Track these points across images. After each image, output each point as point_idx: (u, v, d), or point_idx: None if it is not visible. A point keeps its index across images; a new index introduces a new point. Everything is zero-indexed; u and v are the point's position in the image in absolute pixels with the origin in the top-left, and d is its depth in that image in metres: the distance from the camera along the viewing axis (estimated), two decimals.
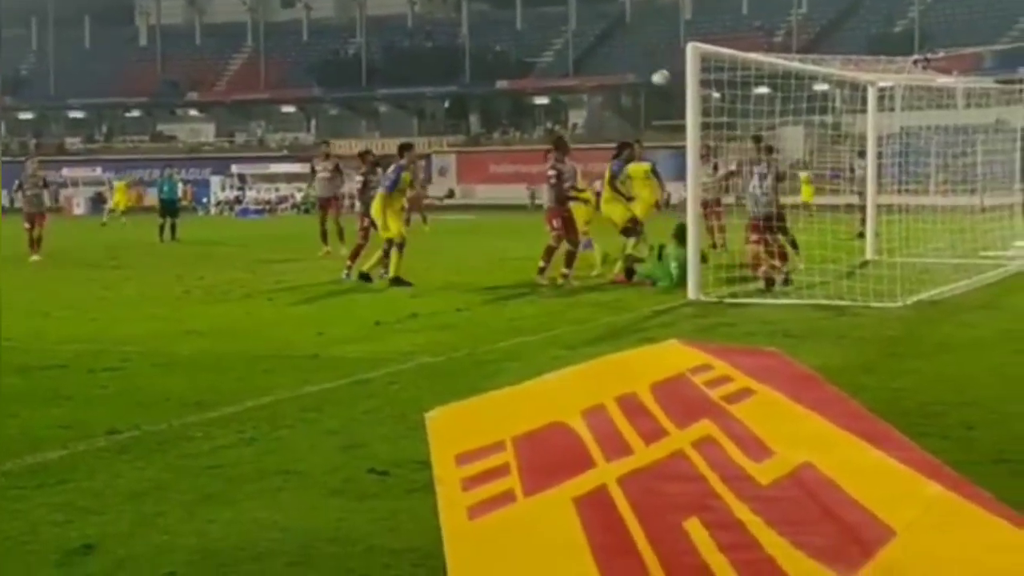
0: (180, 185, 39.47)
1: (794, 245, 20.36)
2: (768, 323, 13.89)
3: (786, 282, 18.10)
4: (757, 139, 19.71)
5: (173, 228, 34.50)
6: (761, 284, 17.72)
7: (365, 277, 19.61)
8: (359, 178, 21.53)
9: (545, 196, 19.23)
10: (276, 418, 8.73)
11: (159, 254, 28.68)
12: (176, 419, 8.69)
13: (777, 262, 18.37)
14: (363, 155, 22.55)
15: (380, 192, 19.80)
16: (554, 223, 19.25)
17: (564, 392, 8.41)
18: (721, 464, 6.23)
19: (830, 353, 11.39)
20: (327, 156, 28.95)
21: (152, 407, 9.21)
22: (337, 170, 28.24)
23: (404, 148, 20.76)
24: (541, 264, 18.94)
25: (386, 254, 19.80)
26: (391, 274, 19.40)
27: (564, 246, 19.22)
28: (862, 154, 23.13)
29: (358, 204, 21.82)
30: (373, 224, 20.46)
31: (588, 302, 16.86)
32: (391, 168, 20.29)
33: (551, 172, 19.46)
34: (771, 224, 18.34)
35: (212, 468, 7.23)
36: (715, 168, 21.26)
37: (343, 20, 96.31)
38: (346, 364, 11.23)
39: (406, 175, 20.05)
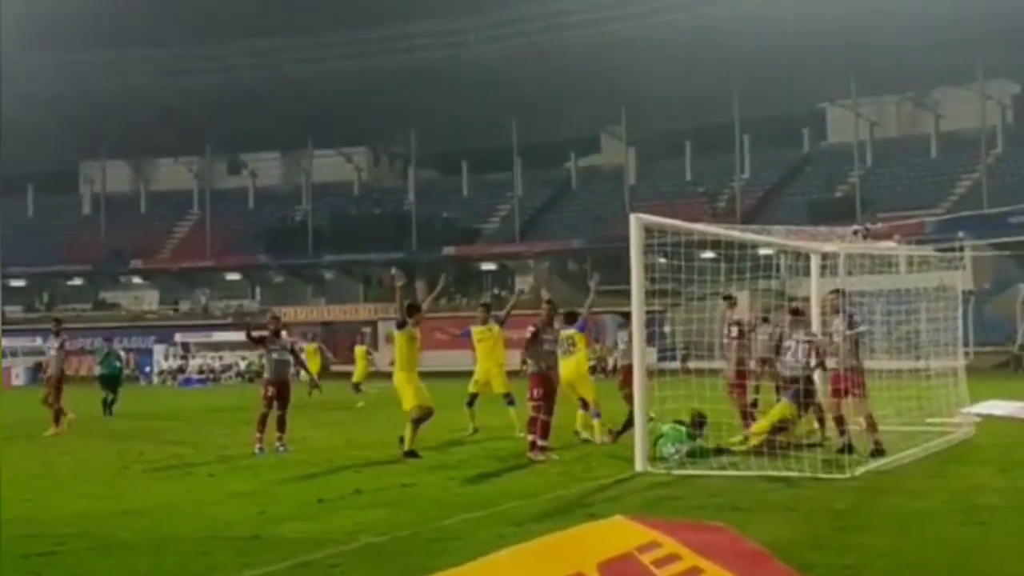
0: (122, 355, 37.82)
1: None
2: (716, 496, 13.71)
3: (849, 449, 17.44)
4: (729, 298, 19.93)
5: (112, 403, 32.94)
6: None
7: (412, 454, 18.82)
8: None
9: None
10: None
11: (99, 427, 28.22)
12: None
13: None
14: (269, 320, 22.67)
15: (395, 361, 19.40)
16: (535, 392, 18.64)
17: (508, 574, 8.22)
18: None
19: (779, 527, 11.23)
20: (57, 333, 28.07)
21: None
22: (62, 348, 27.87)
23: (413, 309, 19.96)
24: (531, 438, 18.36)
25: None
26: (405, 447, 18.83)
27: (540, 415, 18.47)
28: (766, 320, 23.31)
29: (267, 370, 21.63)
30: (278, 393, 20.81)
31: (535, 474, 16.66)
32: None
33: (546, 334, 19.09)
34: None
35: None
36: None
37: (289, 187, 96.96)
38: (287, 545, 10.96)
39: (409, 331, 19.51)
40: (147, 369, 73.01)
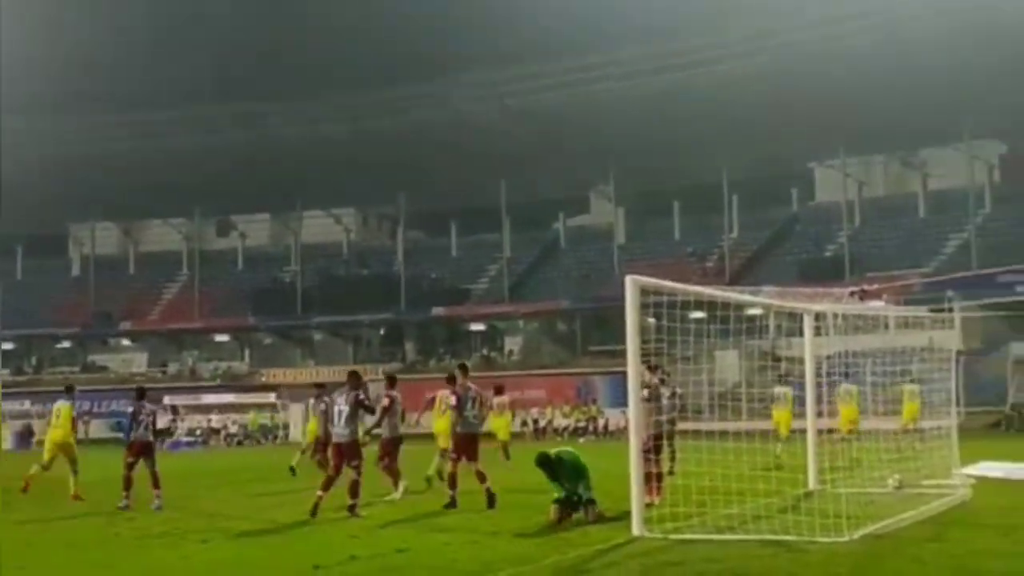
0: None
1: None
2: (715, 561, 13.53)
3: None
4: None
5: None
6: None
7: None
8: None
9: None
10: None
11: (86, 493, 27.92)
12: None
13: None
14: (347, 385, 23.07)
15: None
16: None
17: None
18: None
19: None
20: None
21: None
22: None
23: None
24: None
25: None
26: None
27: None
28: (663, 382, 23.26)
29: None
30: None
31: (530, 538, 16.47)
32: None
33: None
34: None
35: None
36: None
37: (278, 248, 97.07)
38: None
39: None
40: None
